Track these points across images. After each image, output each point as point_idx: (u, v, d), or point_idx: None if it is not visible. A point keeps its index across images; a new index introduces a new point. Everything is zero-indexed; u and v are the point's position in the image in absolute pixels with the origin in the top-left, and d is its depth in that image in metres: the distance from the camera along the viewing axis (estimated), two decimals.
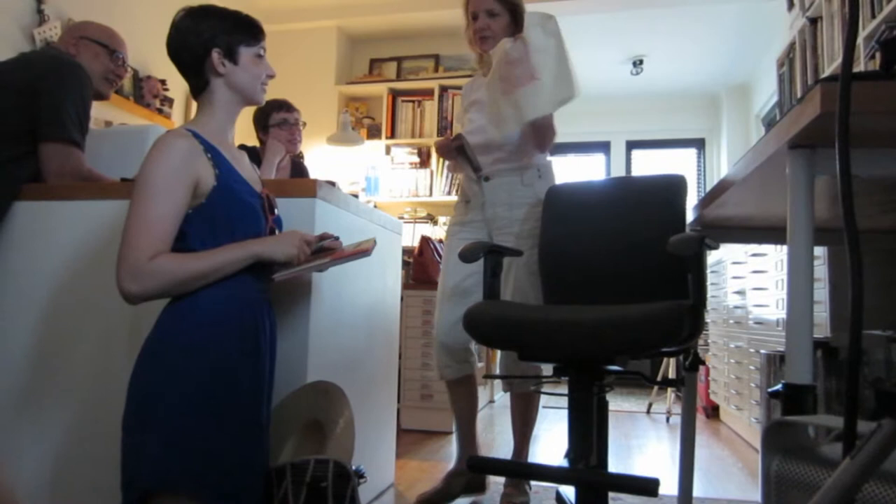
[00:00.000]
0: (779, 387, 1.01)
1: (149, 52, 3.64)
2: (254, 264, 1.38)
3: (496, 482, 2.37)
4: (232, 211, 1.39)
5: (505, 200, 2.18)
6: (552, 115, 2.14)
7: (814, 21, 3.15)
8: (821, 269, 2.27)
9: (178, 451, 1.22)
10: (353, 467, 1.42)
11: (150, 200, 1.28)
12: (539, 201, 2.17)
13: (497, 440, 3.24)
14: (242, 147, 2.85)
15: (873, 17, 2.52)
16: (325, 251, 1.53)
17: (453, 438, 2.33)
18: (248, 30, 1.47)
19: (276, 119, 2.77)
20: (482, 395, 3.98)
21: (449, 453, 2.34)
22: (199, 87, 1.46)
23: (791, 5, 3.55)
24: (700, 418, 4.11)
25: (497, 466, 1.97)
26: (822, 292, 2.27)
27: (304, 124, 2.92)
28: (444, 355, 2.20)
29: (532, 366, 2.13)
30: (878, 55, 2.44)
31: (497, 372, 2.23)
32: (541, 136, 2.14)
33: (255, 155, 2.80)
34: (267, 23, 5.20)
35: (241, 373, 1.32)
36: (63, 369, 1.76)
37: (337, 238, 1.55)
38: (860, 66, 2.57)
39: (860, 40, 2.57)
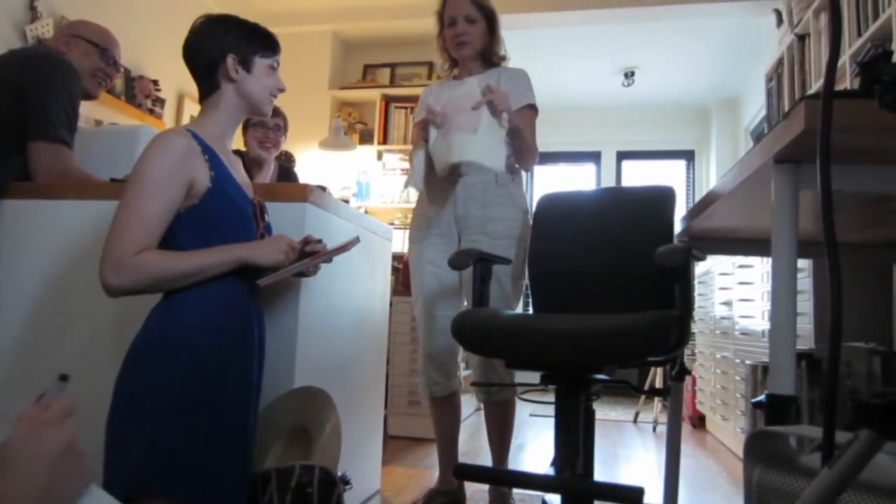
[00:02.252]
0: (762, 397, 1.02)
1: (141, 51, 3.64)
2: (243, 268, 1.38)
3: (481, 489, 2.37)
4: (224, 214, 1.39)
5: (479, 199, 2.16)
6: (533, 132, 2.18)
7: (802, 38, 3.20)
8: (806, 282, 2.30)
9: (162, 454, 1.21)
10: (339, 473, 1.42)
11: (142, 195, 1.28)
12: (513, 202, 2.17)
13: (484, 448, 3.24)
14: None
15: (859, 35, 2.56)
16: (309, 255, 1.52)
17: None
18: (265, 41, 1.50)
19: (254, 119, 2.77)
20: (470, 402, 3.98)
21: (436, 461, 2.35)
22: (208, 90, 1.46)
23: (780, 22, 3.61)
24: (686, 428, 4.13)
25: (483, 474, 1.98)
26: (806, 304, 2.30)
27: (286, 130, 2.90)
28: (433, 370, 2.19)
29: (510, 373, 2.13)
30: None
31: (472, 381, 2.22)
32: (521, 153, 2.14)
33: (240, 158, 2.79)
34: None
35: (227, 377, 1.32)
36: (48, 368, 1.74)
37: (320, 241, 1.55)
38: (846, 84, 2.61)
39: (846, 57, 2.61)
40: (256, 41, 1.48)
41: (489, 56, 2.27)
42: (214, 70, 1.44)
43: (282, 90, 1.54)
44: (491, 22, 2.22)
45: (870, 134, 0.89)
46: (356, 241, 1.56)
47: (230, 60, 1.43)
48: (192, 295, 1.32)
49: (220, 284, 1.35)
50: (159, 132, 1.40)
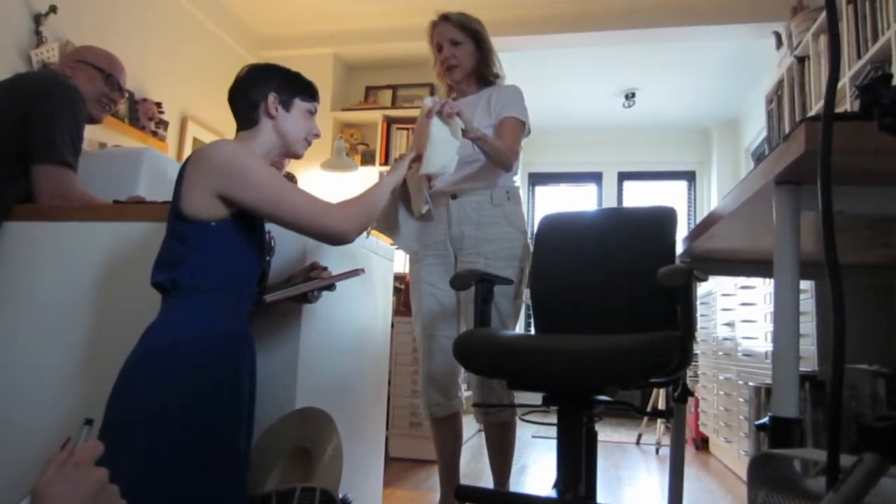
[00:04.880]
0: (766, 420, 1.01)
1: (145, 74, 3.67)
2: (240, 292, 1.39)
3: None
4: (248, 233, 1.42)
5: (473, 219, 2.15)
6: (515, 137, 2.13)
7: (801, 60, 3.22)
8: (808, 303, 2.29)
9: (149, 479, 1.19)
10: (340, 495, 1.41)
11: (280, 181, 1.36)
12: (508, 222, 2.15)
13: (486, 469, 3.21)
14: None
15: (859, 57, 2.58)
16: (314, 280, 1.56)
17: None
18: (306, 87, 1.56)
19: None
20: (472, 423, 3.95)
21: (437, 482, 2.33)
22: (247, 124, 1.51)
23: (779, 44, 3.63)
24: (690, 450, 4.09)
25: (485, 496, 1.96)
26: (809, 325, 2.29)
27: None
28: (434, 391, 2.18)
29: (509, 394, 2.12)
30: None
31: (472, 402, 2.20)
32: (489, 157, 2.06)
33: None
34: (264, 49, 5.23)
35: (218, 402, 1.30)
36: (50, 389, 1.74)
37: (325, 268, 1.58)
38: (846, 105, 2.62)
39: (846, 79, 2.63)
40: (298, 85, 1.54)
41: (483, 75, 2.27)
42: (256, 105, 1.49)
43: (317, 135, 1.58)
44: (478, 41, 2.22)
45: (870, 155, 0.89)
46: (361, 271, 1.62)
47: (271, 98, 1.49)
48: (184, 318, 1.32)
49: (213, 309, 1.35)
50: (219, 140, 1.43)
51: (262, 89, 1.49)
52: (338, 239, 1.41)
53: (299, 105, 1.53)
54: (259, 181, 1.34)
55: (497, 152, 2.04)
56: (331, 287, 1.58)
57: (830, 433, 0.57)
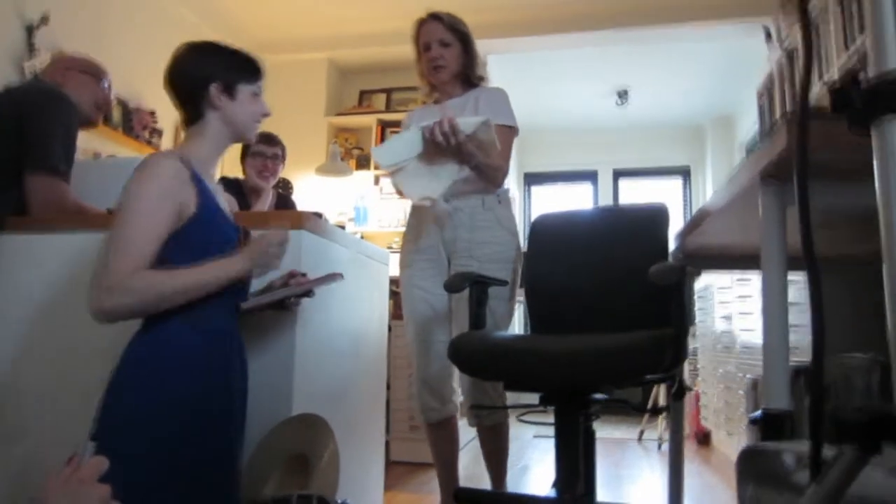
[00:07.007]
0: (758, 413, 1.02)
1: (138, 83, 3.68)
2: (226, 295, 1.37)
3: None
4: (210, 240, 1.37)
5: (466, 223, 2.14)
6: (506, 147, 2.13)
7: (790, 53, 3.24)
8: (802, 293, 2.29)
9: (139, 487, 1.18)
10: (339, 501, 1.41)
11: (134, 218, 1.27)
12: (500, 225, 2.16)
13: (485, 473, 3.21)
14: (224, 178, 2.89)
15: (846, 48, 2.58)
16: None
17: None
18: (248, 68, 1.49)
19: (253, 149, 2.80)
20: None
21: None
22: (192, 118, 1.45)
23: (769, 38, 3.65)
24: (692, 445, 4.09)
25: (483, 498, 1.96)
26: (804, 316, 2.29)
27: (284, 159, 2.92)
28: (428, 396, 2.17)
29: (501, 396, 2.12)
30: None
31: (465, 405, 2.19)
32: (480, 173, 2.06)
33: (238, 186, 2.82)
34: (258, 54, 5.20)
35: (206, 409, 1.30)
36: (44, 401, 1.74)
37: (304, 275, 1.55)
38: None
39: (834, 69, 2.64)
40: (240, 68, 1.47)
41: (468, 77, 2.27)
42: (198, 98, 1.42)
43: (266, 115, 1.52)
44: (466, 44, 2.22)
45: (848, 152, 0.90)
46: (339, 276, 1.57)
47: (213, 89, 1.42)
48: (171, 325, 1.30)
49: (200, 313, 1.32)
50: (148, 155, 1.39)
51: (202, 75, 1.42)
52: (90, 311, 1.25)
53: (243, 90, 1.46)
54: (122, 209, 1.29)
55: (487, 169, 2.05)
56: (308, 293, 1.55)
57: (812, 426, 0.58)
